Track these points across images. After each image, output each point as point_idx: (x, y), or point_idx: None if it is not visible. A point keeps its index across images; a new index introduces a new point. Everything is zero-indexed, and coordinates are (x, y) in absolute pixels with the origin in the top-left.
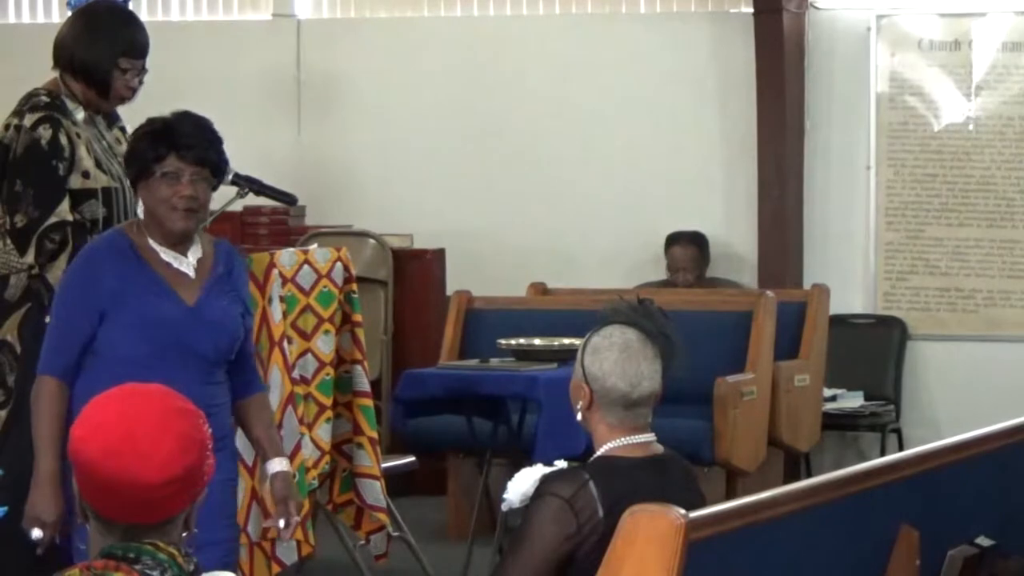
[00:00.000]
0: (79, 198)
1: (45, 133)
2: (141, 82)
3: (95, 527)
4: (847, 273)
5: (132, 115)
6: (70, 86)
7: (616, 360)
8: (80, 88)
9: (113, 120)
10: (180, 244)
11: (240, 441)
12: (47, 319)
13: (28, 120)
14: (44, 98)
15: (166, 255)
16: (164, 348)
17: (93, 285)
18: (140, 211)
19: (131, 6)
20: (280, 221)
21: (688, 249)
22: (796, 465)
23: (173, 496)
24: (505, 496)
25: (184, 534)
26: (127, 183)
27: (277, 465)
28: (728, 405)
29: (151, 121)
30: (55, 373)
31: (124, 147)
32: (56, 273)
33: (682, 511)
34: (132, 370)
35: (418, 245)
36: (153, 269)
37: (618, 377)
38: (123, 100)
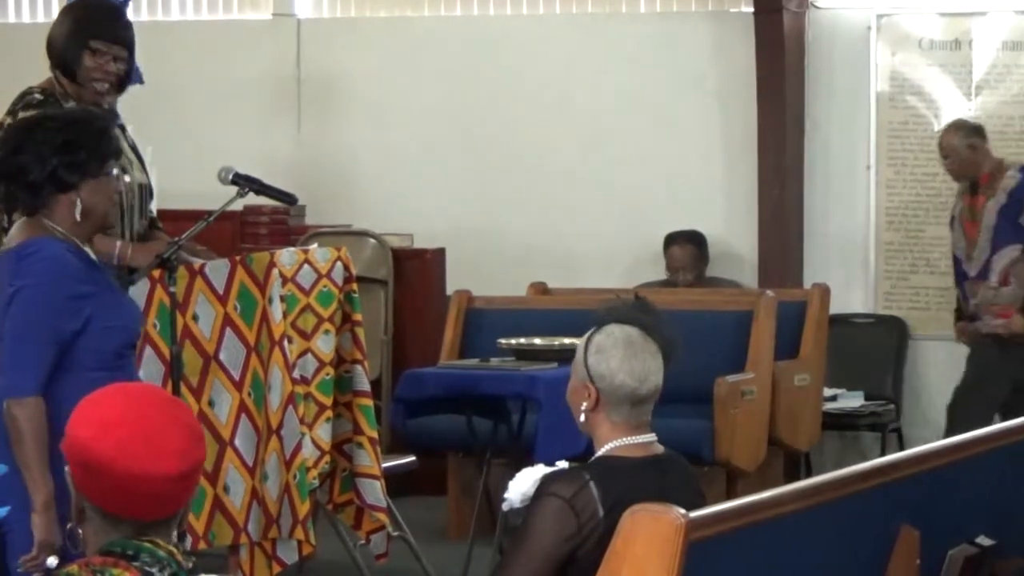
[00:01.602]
0: None
1: None
2: (129, 74)
3: (99, 526)
4: (847, 273)
5: (136, 116)
6: (63, 84)
7: (622, 357)
8: (67, 82)
9: (112, 118)
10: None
11: (240, 439)
12: None
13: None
14: (38, 96)
15: (91, 252)
16: (124, 343)
17: (78, 296)
18: (78, 213)
19: (131, 6)
20: (280, 221)
21: (686, 248)
22: (796, 465)
23: (185, 488)
24: (506, 496)
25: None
26: (124, 179)
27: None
28: (728, 405)
29: (89, 120)
30: (38, 392)
31: (123, 143)
32: None
33: (682, 511)
34: (105, 372)
35: (418, 245)
36: (99, 267)
37: (626, 374)
38: (98, 87)
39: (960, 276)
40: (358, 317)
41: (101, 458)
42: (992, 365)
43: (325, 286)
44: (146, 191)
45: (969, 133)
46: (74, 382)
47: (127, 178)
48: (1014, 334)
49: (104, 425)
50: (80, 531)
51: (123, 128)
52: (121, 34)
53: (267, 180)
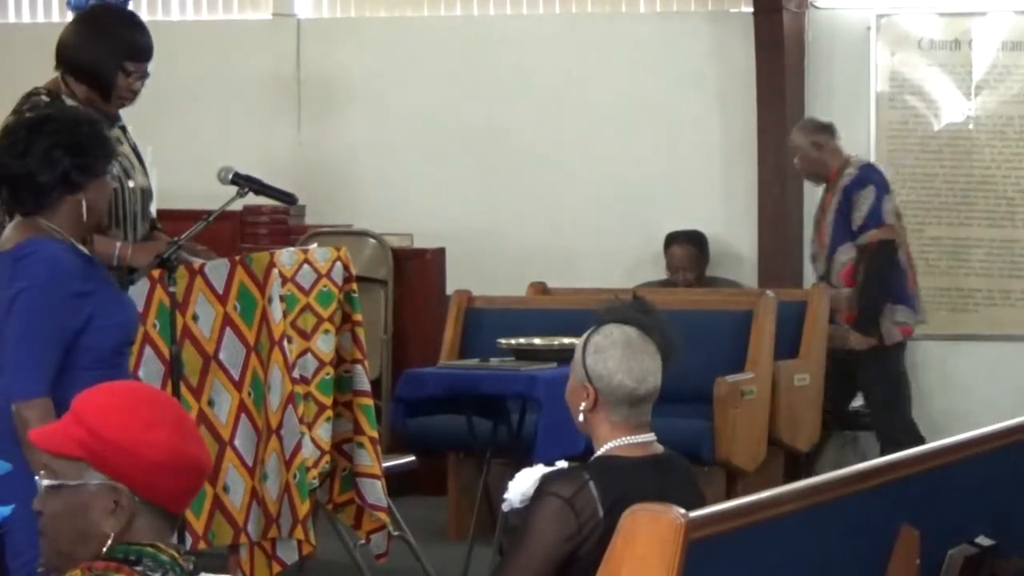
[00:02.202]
0: None
1: None
2: (142, 85)
3: (157, 528)
4: None
5: (136, 116)
6: (72, 87)
7: (621, 357)
8: (82, 90)
9: (114, 120)
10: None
11: (239, 439)
12: None
13: None
14: (44, 97)
15: (85, 251)
16: (124, 340)
17: (79, 295)
18: (85, 213)
19: (131, 6)
20: (280, 221)
21: (687, 248)
22: (796, 465)
23: None
24: (505, 496)
25: None
26: (127, 184)
27: None
28: (728, 405)
29: (91, 121)
30: (47, 393)
31: (125, 146)
32: None
33: (682, 511)
34: (102, 371)
35: (418, 245)
36: (97, 264)
37: (624, 374)
38: (124, 103)
39: (818, 275)
40: (358, 317)
41: (194, 456)
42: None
43: (325, 286)
44: (148, 195)
45: (813, 131)
46: (72, 381)
47: (131, 183)
48: (850, 350)
49: (177, 424)
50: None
51: (124, 129)
52: (150, 51)
53: (267, 180)
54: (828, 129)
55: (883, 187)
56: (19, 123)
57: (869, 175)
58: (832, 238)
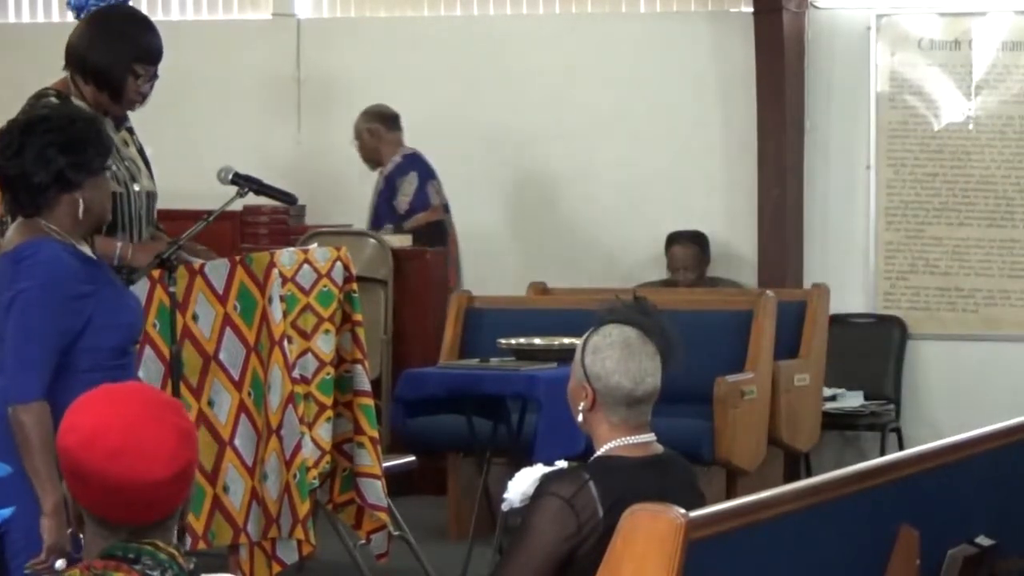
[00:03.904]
0: None
1: None
2: (151, 87)
3: (94, 531)
4: (847, 273)
5: (136, 115)
6: (80, 88)
7: (619, 358)
8: (91, 91)
9: (121, 122)
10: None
11: (239, 439)
12: None
13: None
14: (53, 99)
15: (88, 250)
16: (126, 341)
17: (78, 296)
18: (81, 212)
19: (130, 5)
20: (280, 221)
21: (689, 248)
22: (796, 465)
23: (178, 491)
24: (505, 496)
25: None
26: (132, 187)
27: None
28: (728, 405)
29: (86, 119)
30: (43, 395)
31: (131, 149)
32: None
33: (682, 511)
34: (102, 372)
35: (418, 245)
36: (98, 264)
37: (622, 375)
38: (133, 106)
39: None
40: (358, 317)
41: (89, 467)
42: None
43: (325, 286)
44: (153, 199)
45: (371, 118)
46: (71, 383)
47: (136, 187)
48: None
49: (91, 433)
50: (81, 535)
51: (131, 131)
52: (160, 53)
53: (267, 180)
54: (388, 120)
55: (427, 174)
56: (13, 124)
57: (412, 163)
58: (373, 221)
